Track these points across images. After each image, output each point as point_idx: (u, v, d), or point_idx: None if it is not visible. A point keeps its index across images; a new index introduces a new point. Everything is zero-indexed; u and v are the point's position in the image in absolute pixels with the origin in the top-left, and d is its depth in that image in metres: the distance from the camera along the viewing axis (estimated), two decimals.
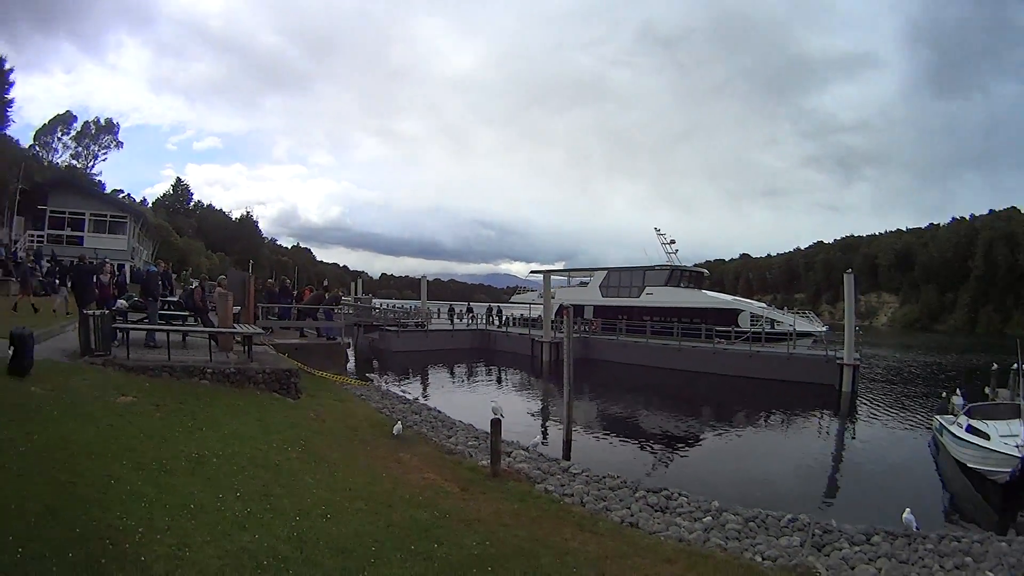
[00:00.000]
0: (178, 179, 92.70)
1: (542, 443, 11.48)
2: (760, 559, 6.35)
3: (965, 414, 12.95)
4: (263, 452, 6.47)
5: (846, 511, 8.69)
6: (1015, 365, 15.89)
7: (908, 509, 7.49)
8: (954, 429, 12.62)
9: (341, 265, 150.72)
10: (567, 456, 10.82)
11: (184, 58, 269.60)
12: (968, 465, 11.44)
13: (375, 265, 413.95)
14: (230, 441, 6.52)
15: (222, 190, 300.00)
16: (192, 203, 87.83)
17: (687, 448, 13.30)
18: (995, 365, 18.11)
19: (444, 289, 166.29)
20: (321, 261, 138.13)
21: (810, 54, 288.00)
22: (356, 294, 38.77)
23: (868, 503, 9.66)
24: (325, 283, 28.49)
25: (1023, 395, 14.38)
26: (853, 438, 15.40)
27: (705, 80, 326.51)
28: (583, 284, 35.80)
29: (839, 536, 7.19)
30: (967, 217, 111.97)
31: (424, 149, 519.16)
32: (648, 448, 12.80)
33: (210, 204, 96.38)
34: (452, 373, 24.36)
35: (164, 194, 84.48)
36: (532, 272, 39.15)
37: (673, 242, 33.48)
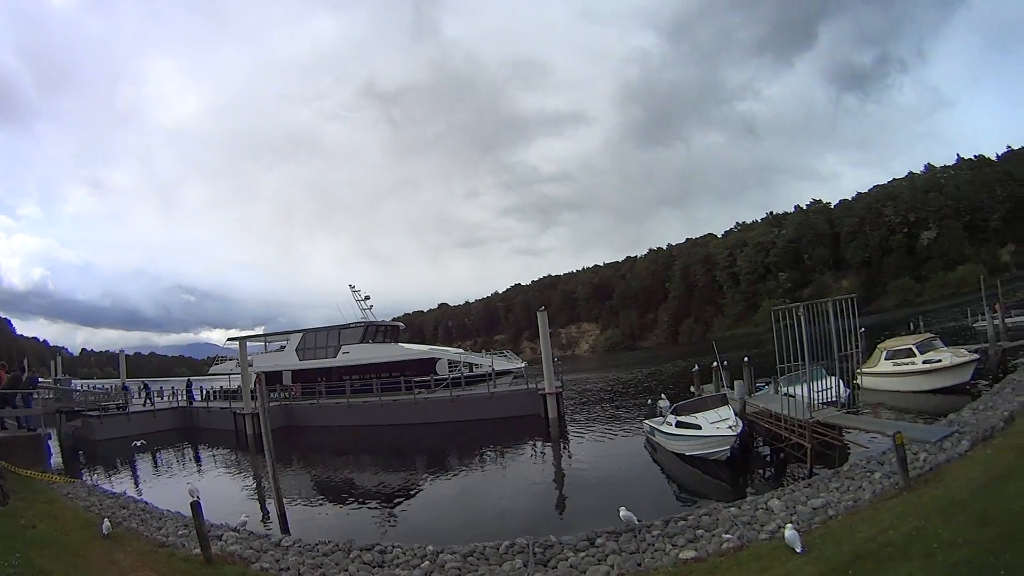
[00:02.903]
0: None
1: (259, 521, 11.61)
2: None
3: (672, 413, 14.31)
4: None
5: (570, 524, 9.21)
6: (714, 363, 18.51)
7: (623, 507, 8.00)
8: (665, 428, 13.95)
9: (41, 340, 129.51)
10: (285, 530, 10.81)
11: None
12: (687, 454, 12.83)
13: (76, 339, 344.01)
14: None
15: None
16: None
17: (404, 500, 13.73)
18: (696, 367, 20.25)
19: (145, 364, 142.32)
20: (21, 335, 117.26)
21: (522, 113, 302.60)
22: (55, 374, 32.38)
23: (592, 512, 10.12)
24: (25, 363, 24.49)
25: (726, 386, 17.19)
26: (569, 457, 16.29)
27: (416, 137, 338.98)
28: (281, 349, 34.77)
29: (561, 548, 7.50)
30: (664, 247, 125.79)
31: (132, 204, 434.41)
32: (365, 507, 13.13)
33: None
34: (157, 458, 23.07)
35: None
36: (229, 340, 38.07)
37: (368, 298, 34.29)
